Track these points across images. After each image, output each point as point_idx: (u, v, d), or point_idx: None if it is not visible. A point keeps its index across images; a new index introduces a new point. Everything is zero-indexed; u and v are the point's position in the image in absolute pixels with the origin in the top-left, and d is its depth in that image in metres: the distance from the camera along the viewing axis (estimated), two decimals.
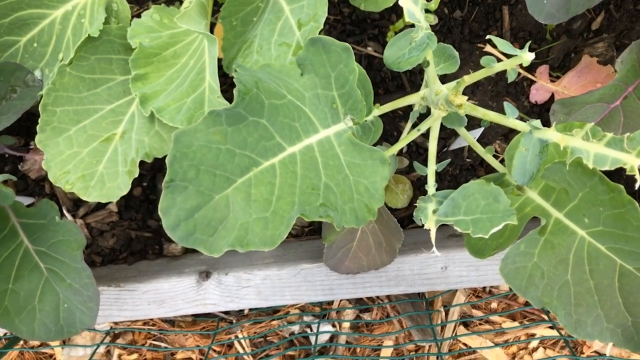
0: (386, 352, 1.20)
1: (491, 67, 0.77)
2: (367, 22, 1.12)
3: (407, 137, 0.88)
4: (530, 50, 1.13)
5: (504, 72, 1.13)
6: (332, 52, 0.66)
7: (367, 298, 1.19)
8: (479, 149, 0.87)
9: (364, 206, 0.66)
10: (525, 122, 0.70)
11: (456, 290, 1.20)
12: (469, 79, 0.81)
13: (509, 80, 0.78)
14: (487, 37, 0.73)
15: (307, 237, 1.12)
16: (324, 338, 1.19)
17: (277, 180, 0.62)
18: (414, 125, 0.89)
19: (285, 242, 1.14)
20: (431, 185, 0.78)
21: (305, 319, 1.17)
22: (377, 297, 1.21)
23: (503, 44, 0.72)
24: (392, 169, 0.89)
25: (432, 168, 0.81)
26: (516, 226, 0.74)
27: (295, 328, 1.18)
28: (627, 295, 0.66)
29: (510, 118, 0.72)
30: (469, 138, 0.90)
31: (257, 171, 0.62)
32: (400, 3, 0.63)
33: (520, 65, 1.12)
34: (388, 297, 1.18)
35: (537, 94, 1.11)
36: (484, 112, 0.77)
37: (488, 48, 1.11)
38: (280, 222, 0.59)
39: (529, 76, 1.11)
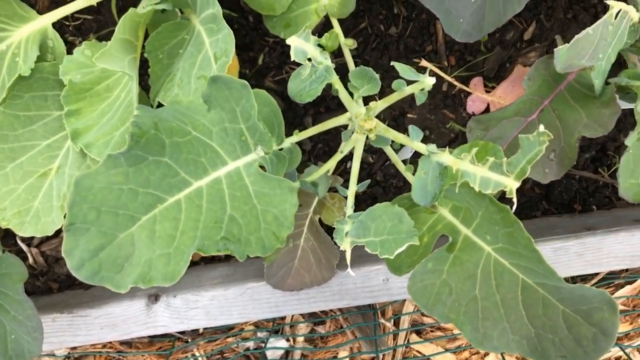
0: None
1: (402, 90, 0.80)
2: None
3: (333, 158, 0.91)
4: (466, 62, 1.16)
5: (441, 85, 1.16)
6: (233, 89, 0.69)
7: (320, 311, 1.22)
8: (400, 166, 0.89)
9: (271, 235, 0.69)
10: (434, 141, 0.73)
11: (404, 300, 1.23)
12: (382, 103, 0.84)
13: (418, 103, 0.81)
14: (422, 64, 0.75)
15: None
16: (278, 353, 1.22)
17: (182, 216, 0.65)
18: None
19: (235, 260, 1.17)
20: (349, 207, 0.81)
21: (260, 334, 1.19)
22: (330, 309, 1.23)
23: (405, 70, 0.75)
24: (322, 189, 0.91)
25: (352, 189, 0.84)
26: (429, 243, 0.76)
27: (250, 344, 1.21)
28: (529, 308, 0.69)
29: (414, 141, 0.75)
30: (393, 157, 0.92)
31: (162, 208, 0.64)
32: (288, 42, 0.65)
33: (456, 78, 1.15)
34: (340, 308, 1.20)
35: (474, 105, 1.14)
36: (394, 135, 0.80)
37: (424, 63, 1.14)
38: (180, 258, 0.62)
39: (465, 88, 1.14)
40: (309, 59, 0.68)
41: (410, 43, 1.15)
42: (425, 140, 1.17)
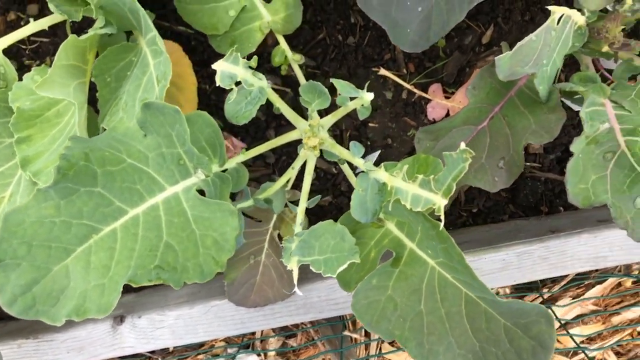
0: None
1: (346, 106, 0.80)
2: (262, 57, 1.15)
3: (286, 174, 0.91)
4: (425, 68, 1.15)
5: (401, 93, 1.16)
6: (167, 114, 0.68)
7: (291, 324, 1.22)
8: (352, 179, 0.89)
9: (211, 259, 0.68)
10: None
11: None
12: (330, 118, 0.84)
13: (360, 118, 0.81)
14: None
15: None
16: None
17: (118, 245, 0.65)
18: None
19: None
20: (298, 224, 0.81)
21: (230, 350, 1.19)
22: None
23: (343, 86, 0.74)
24: (278, 205, 0.91)
25: (302, 206, 0.83)
26: (376, 258, 0.76)
27: None
28: (472, 322, 0.68)
29: (355, 157, 0.75)
30: (347, 170, 0.92)
31: (97, 238, 0.64)
32: (214, 67, 0.65)
33: (416, 85, 1.15)
34: (311, 320, 1.20)
35: (434, 112, 1.14)
36: (339, 151, 0.79)
37: (383, 71, 1.14)
38: (114, 289, 0.62)
39: (425, 95, 1.13)
40: (238, 82, 0.68)
41: (369, 52, 1.15)
42: (387, 149, 1.17)
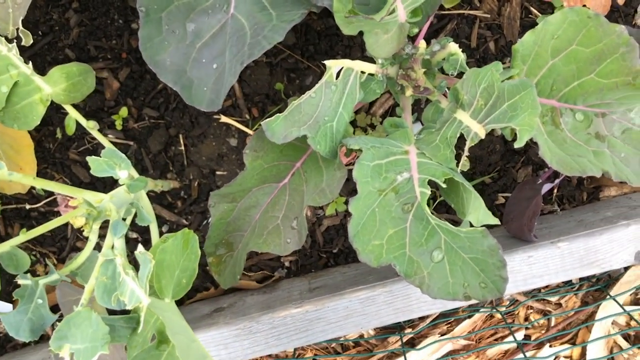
0: None
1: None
2: (103, 111, 1.13)
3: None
4: (267, 111, 1.13)
5: (244, 139, 1.13)
6: None
7: None
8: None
9: None
10: None
11: None
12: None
13: (132, 192, 0.78)
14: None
15: None
16: None
17: None
18: None
19: None
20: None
21: None
22: None
23: (97, 165, 0.72)
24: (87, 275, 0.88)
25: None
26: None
27: None
28: None
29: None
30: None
31: None
32: None
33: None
34: None
35: None
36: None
37: (224, 119, 1.11)
38: None
39: None
40: None
41: None
42: None
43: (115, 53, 1.13)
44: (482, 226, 0.77)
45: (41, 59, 1.11)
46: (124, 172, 0.72)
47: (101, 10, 1.12)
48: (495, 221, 0.74)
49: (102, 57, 1.13)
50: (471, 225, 0.78)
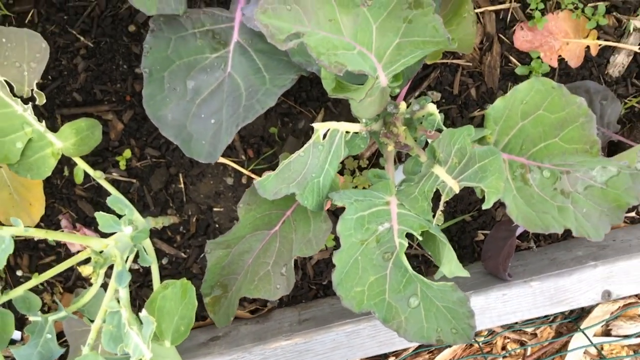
0: None
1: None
2: (108, 150, 1.20)
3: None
4: (263, 152, 1.20)
5: (240, 178, 1.21)
6: None
7: None
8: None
9: None
10: None
11: None
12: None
13: (134, 242, 0.85)
14: None
15: None
16: None
17: None
18: None
19: None
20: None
21: None
22: None
23: (105, 221, 0.79)
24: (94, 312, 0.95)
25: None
26: None
27: None
28: None
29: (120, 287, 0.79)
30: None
31: None
32: None
33: (254, 170, 1.20)
34: None
35: None
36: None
37: (221, 159, 1.19)
38: None
39: None
40: None
41: None
42: None
43: (119, 96, 1.20)
44: (453, 278, 0.84)
45: (50, 102, 1.18)
46: (129, 228, 0.79)
47: (107, 57, 1.19)
48: (465, 274, 0.82)
49: (107, 100, 1.20)
50: (445, 276, 0.85)
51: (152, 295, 0.83)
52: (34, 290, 1.11)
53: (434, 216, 0.90)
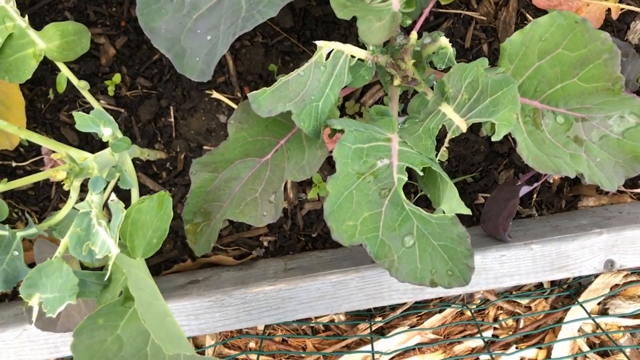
0: None
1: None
2: (97, 76, 1.14)
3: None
4: None
5: None
6: None
7: None
8: None
9: None
10: None
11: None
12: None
13: (116, 150, 0.79)
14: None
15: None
16: None
17: None
18: None
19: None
20: None
21: None
22: None
23: (82, 121, 0.73)
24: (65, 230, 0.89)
25: None
26: None
27: None
28: None
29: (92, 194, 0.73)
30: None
31: None
32: None
33: None
34: None
35: None
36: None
37: (216, 95, 1.13)
38: None
39: None
40: None
41: None
42: None
43: (114, 20, 1.14)
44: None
45: (40, 18, 1.12)
46: (108, 129, 0.73)
47: None
48: (467, 211, 0.76)
49: (100, 23, 1.13)
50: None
51: (127, 210, 0.76)
52: (6, 220, 1.05)
53: (436, 155, 0.85)
